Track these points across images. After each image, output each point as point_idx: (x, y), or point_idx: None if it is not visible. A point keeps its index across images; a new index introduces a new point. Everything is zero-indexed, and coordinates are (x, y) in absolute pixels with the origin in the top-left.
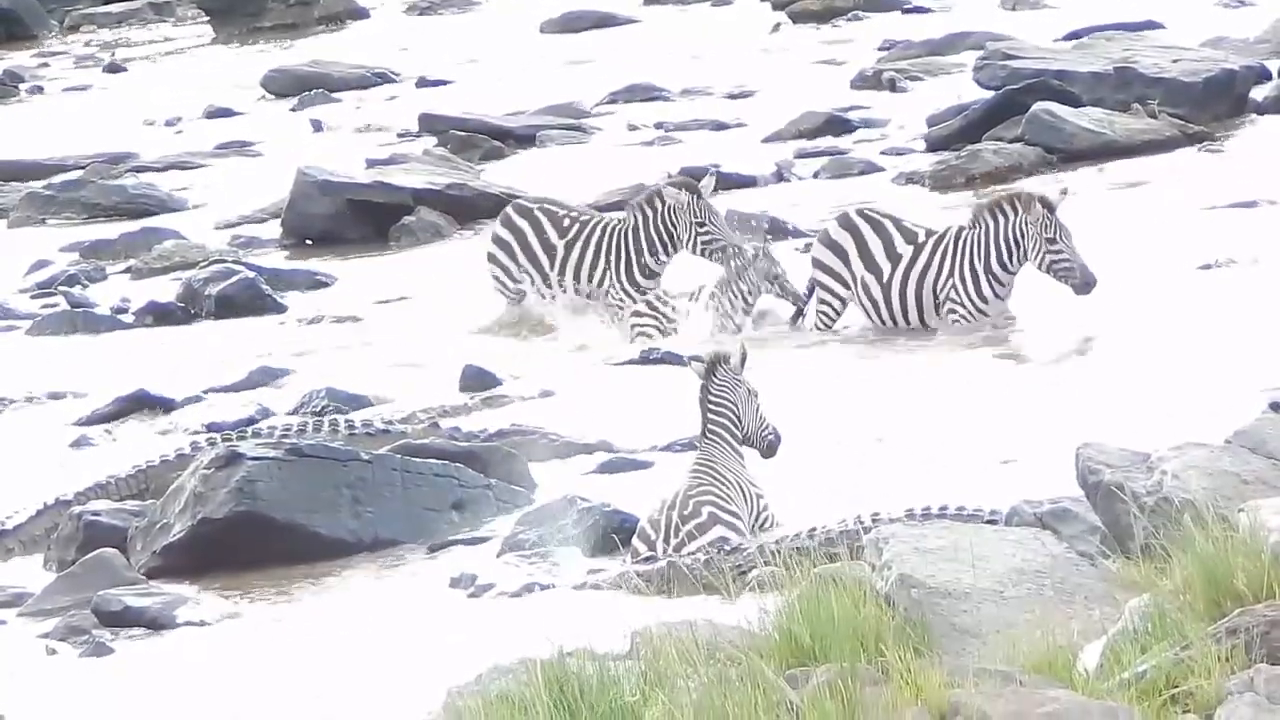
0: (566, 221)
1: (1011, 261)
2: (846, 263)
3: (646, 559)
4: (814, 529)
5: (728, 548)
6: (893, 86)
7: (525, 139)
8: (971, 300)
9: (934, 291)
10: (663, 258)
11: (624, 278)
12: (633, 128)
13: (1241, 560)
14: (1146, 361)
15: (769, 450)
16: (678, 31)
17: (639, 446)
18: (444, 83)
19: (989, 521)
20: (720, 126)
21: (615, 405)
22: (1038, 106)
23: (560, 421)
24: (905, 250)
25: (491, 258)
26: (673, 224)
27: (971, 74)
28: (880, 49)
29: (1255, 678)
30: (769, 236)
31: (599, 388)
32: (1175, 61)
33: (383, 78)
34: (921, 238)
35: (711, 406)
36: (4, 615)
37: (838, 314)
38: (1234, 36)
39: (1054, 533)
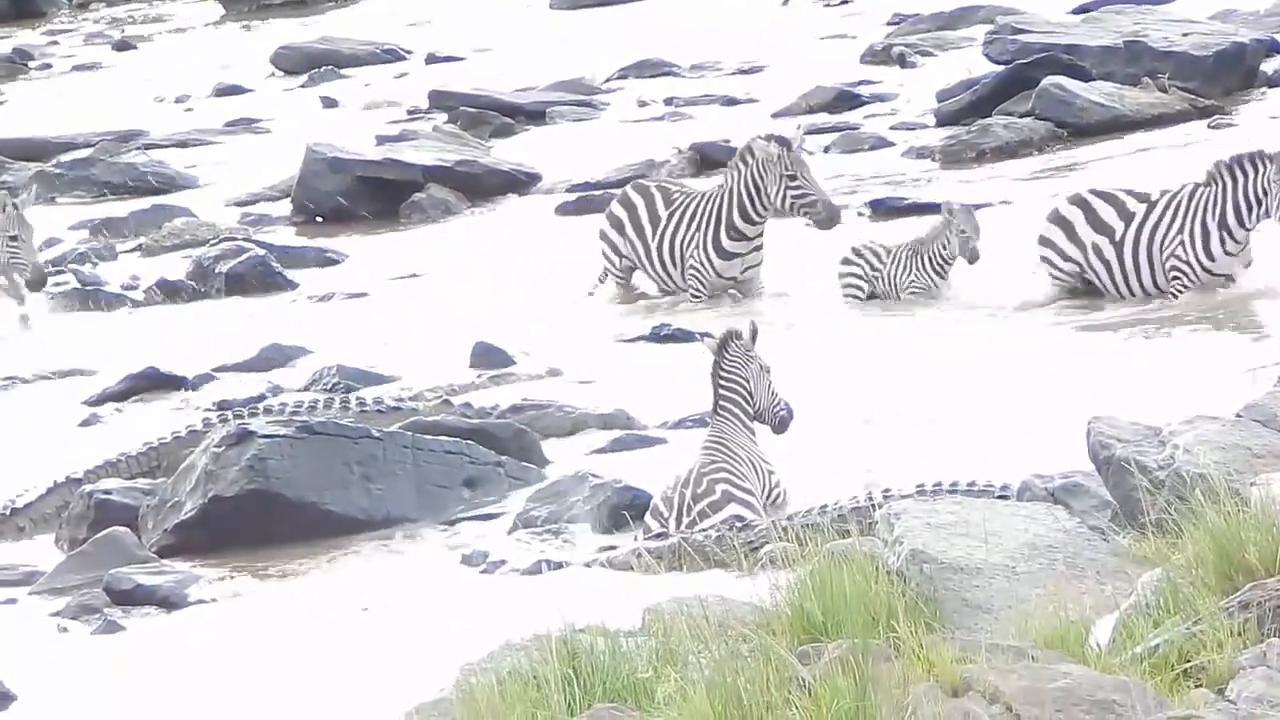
0: (677, 195)
1: (1249, 218)
2: (1072, 235)
3: (658, 535)
4: (825, 505)
5: (739, 524)
6: (902, 61)
7: (535, 115)
8: (1199, 260)
9: (1161, 250)
10: (754, 217)
11: (709, 242)
12: (642, 103)
13: (1253, 534)
14: (1157, 336)
15: (781, 426)
16: (688, 7)
17: (650, 423)
18: (454, 59)
19: (1000, 496)
20: (730, 102)
21: (626, 382)
22: (1048, 81)
23: (571, 399)
24: (1138, 209)
25: (602, 235)
26: (762, 178)
27: (981, 48)
28: (890, 23)
29: (1268, 651)
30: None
31: (610, 364)
32: (1185, 35)
33: (393, 54)
34: (1155, 196)
35: (723, 383)
36: (15, 593)
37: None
38: (1244, 9)
39: (1065, 507)
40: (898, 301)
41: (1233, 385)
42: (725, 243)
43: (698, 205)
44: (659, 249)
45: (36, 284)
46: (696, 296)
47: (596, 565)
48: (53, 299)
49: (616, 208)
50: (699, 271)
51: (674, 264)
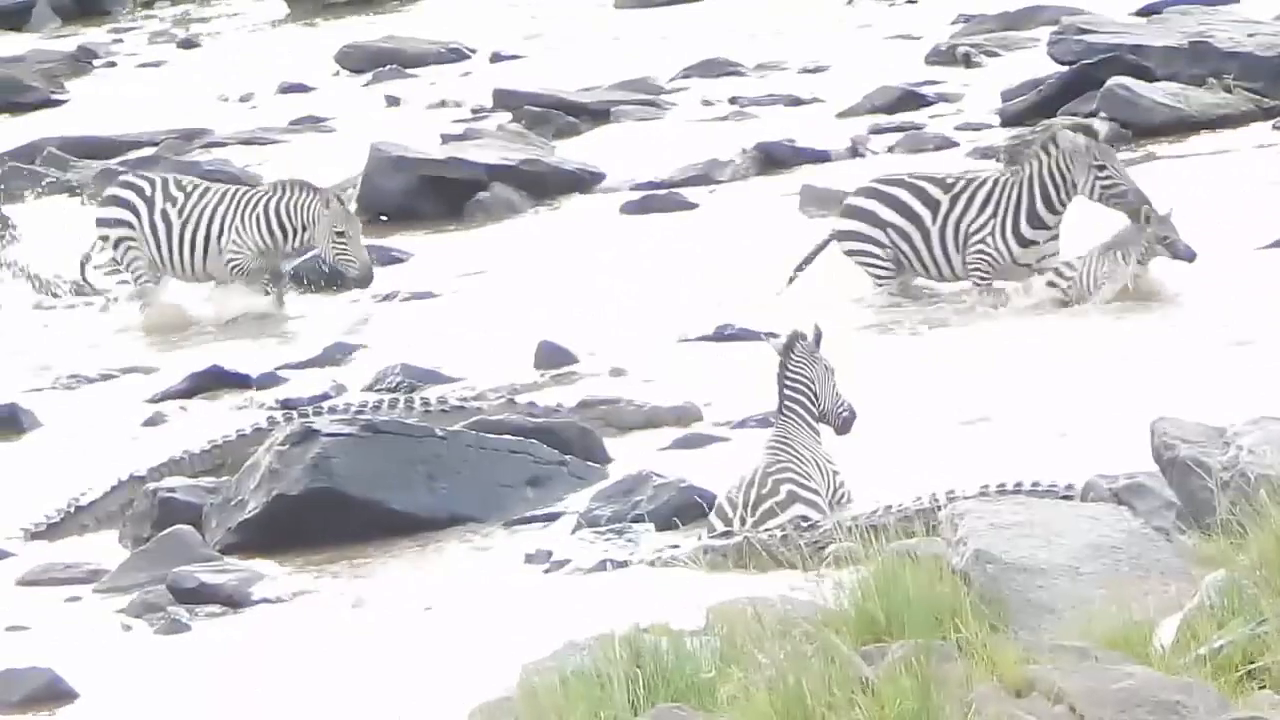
0: (956, 182)
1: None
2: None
3: (723, 534)
4: (890, 506)
5: (805, 524)
6: (967, 61)
7: (599, 114)
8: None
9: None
10: (1058, 207)
11: (1008, 229)
12: (707, 103)
13: None
14: (1222, 336)
15: (844, 427)
16: (752, 7)
17: (714, 422)
18: (518, 58)
19: (1064, 497)
20: (795, 102)
21: (690, 381)
22: (1113, 81)
23: (636, 398)
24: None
25: (853, 234)
26: (1068, 168)
27: (1046, 48)
28: (955, 23)
29: None
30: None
31: (674, 363)
32: (1251, 36)
33: (457, 53)
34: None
35: (789, 383)
36: (80, 591)
37: None
38: None
39: (1130, 508)
40: (1091, 302)
41: None
42: (1025, 230)
43: (990, 191)
44: (941, 235)
45: (365, 280)
46: (982, 282)
47: (660, 564)
48: (118, 298)
49: (868, 201)
50: (991, 257)
51: (957, 250)
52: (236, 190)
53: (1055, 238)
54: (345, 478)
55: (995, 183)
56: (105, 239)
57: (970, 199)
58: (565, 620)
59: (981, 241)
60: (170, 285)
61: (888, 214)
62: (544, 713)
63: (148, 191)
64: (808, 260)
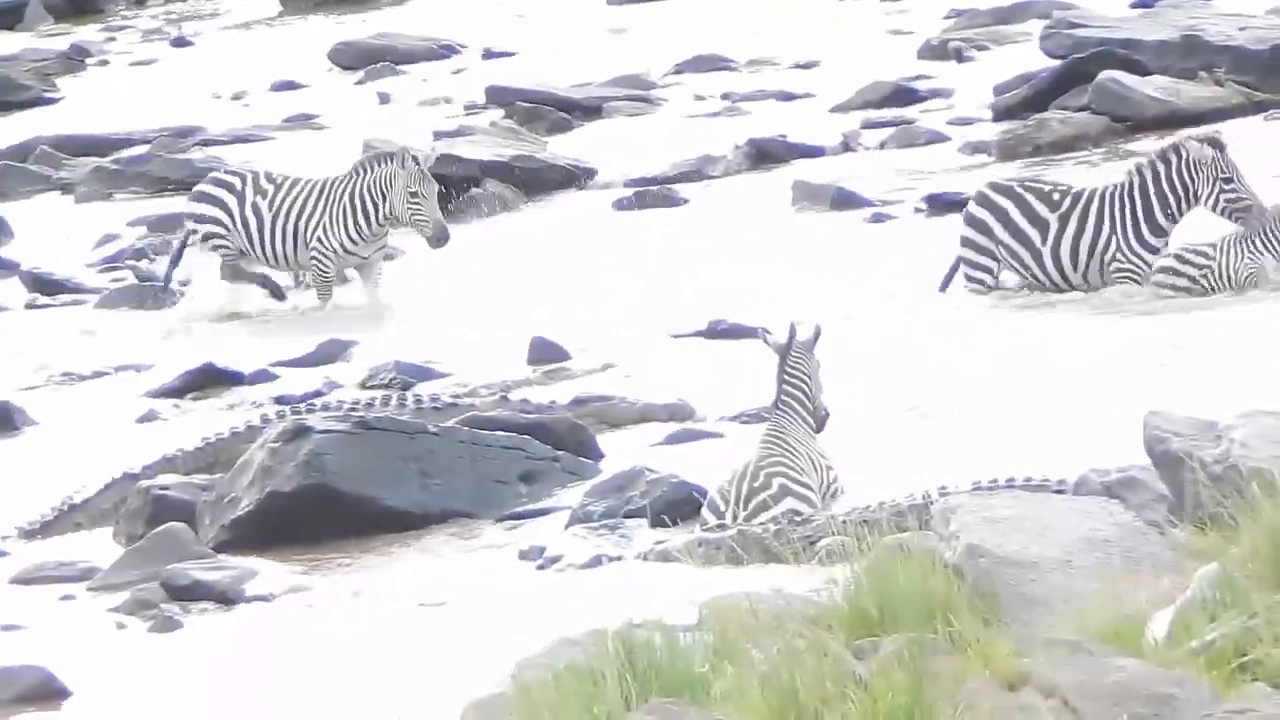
0: (1057, 195)
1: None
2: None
3: (716, 528)
4: (882, 502)
5: (797, 519)
6: (959, 56)
7: (592, 111)
8: None
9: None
10: (1176, 215)
11: (1134, 239)
12: (699, 99)
13: None
14: (1211, 330)
15: (820, 426)
16: (744, 2)
17: (707, 417)
18: (510, 54)
19: (1057, 491)
20: (787, 97)
21: (681, 377)
22: (1104, 75)
23: (629, 394)
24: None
25: (966, 241)
26: (1192, 179)
27: (1038, 43)
28: (946, 18)
29: None
30: None
31: (667, 359)
32: (1242, 29)
33: (449, 50)
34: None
35: (787, 378)
36: (73, 589)
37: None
38: None
39: (1121, 501)
40: (1227, 291)
41: None
42: (1150, 238)
43: (1101, 204)
44: (1055, 249)
45: (439, 240)
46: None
47: (653, 559)
48: (110, 294)
49: (980, 210)
50: (1133, 271)
51: (1074, 265)
52: (323, 182)
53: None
54: (338, 474)
55: (1104, 197)
56: (195, 233)
57: (1083, 215)
58: (558, 616)
59: (1118, 256)
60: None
61: (986, 235)
62: (537, 709)
63: (238, 186)
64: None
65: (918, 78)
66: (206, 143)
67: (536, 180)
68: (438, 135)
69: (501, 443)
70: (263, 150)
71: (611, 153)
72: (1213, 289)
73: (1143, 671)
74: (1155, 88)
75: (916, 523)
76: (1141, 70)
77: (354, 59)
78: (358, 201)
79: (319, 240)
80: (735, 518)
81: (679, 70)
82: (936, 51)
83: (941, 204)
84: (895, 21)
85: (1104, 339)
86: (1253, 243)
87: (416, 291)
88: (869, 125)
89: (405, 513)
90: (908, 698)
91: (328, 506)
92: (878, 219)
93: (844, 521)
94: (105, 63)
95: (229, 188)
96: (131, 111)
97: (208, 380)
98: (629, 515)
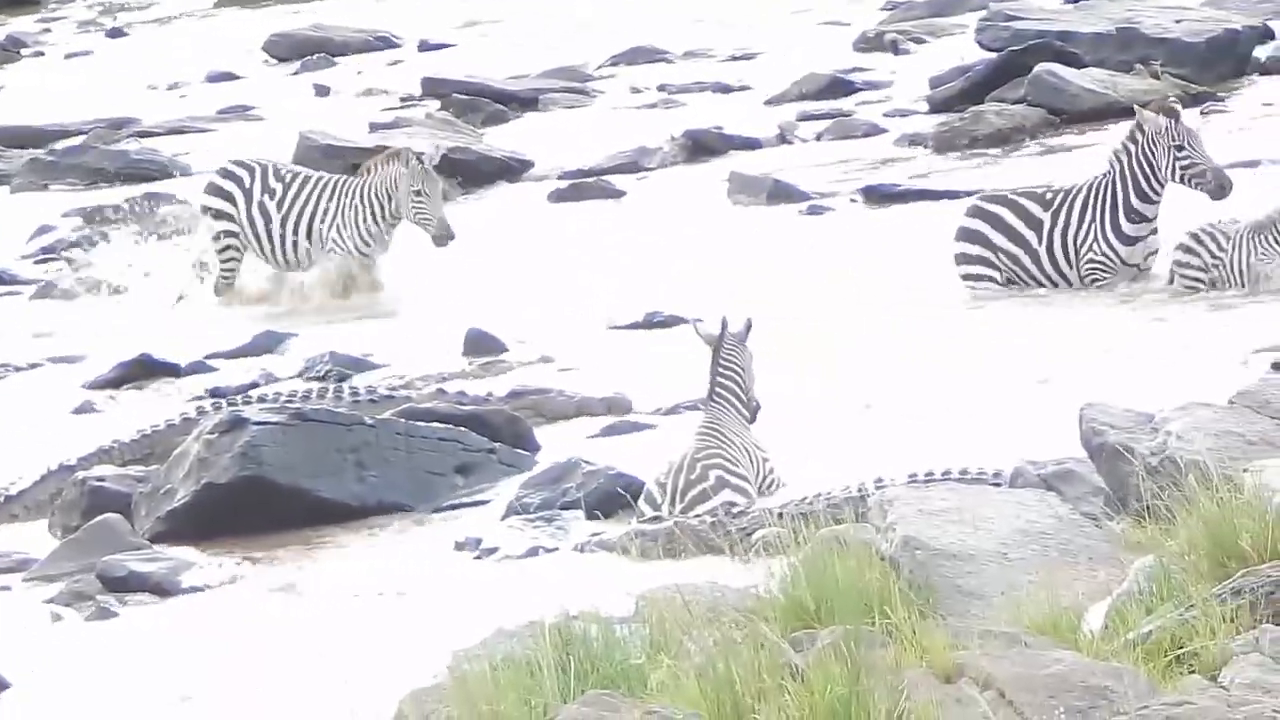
0: (1049, 195)
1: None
2: None
3: (652, 520)
4: (819, 494)
5: (734, 510)
6: (895, 48)
7: (528, 102)
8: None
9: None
10: (1151, 195)
11: (1109, 231)
12: (635, 90)
13: (1246, 521)
14: (1150, 321)
15: (751, 418)
16: None
17: (643, 409)
18: (446, 46)
19: (993, 484)
20: (723, 89)
21: (618, 369)
22: (1040, 68)
23: (565, 386)
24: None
25: (964, 257)
26: (1152, 152)
27: (974, 35)
28: (882, 10)
29: (1260, 638)
30: None
31: (604, 351)
32: (1178, 22)
33: (385, 41)
34: None
35: (721, 370)
36: (8, 581)
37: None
38: None
39: (1058, 494)
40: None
41: (1227, 371)
42: (1126, 228)
43: (1085, 197)
44: (1049, 252)
45: (443, 239)
46: (1100, 286)
47: (589, 551)
48: (45, 286)
49: (975, 223)
50: (1102, 264)
51: (1069, 264)
52: (335, 181)
53: (1155, 231)
54: (274, 466)
55: (1089, 189)
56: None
57: (1068, 213)
58: (495, 608)
59: (1091, 249)
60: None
61: (975, 245)
62: (474, 700)
63: (247, 182)
64: None
65: (854, 70)
66: (142, 134)
67: (472, 172)
68: (374, 127)
69: (438, 435)
70: (199, 141)
71: (547, 144)
72: (1222, 283)
73: (1079, 664)
74: (1091, 80)
75: (853, 515)
76: (1078, 63)
77: (289, 50)
78: (368, 202)
79: (334, 240)
80: (672, 510)
81: (615, 62)
82: (873, 44)
83: (878, 196)
84: (831, 13)
85: (1040, 332)
86: (1266, 240)
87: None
88: (805, 117)
89: (341, 504)
90: (844, 689)
91: (264, 498)
92: (814, 211)
93: (780, 514)
94: (40, 54)
95: (239, 182)
96: (67, 102)
97: (143, 372)
98: (565, 507)
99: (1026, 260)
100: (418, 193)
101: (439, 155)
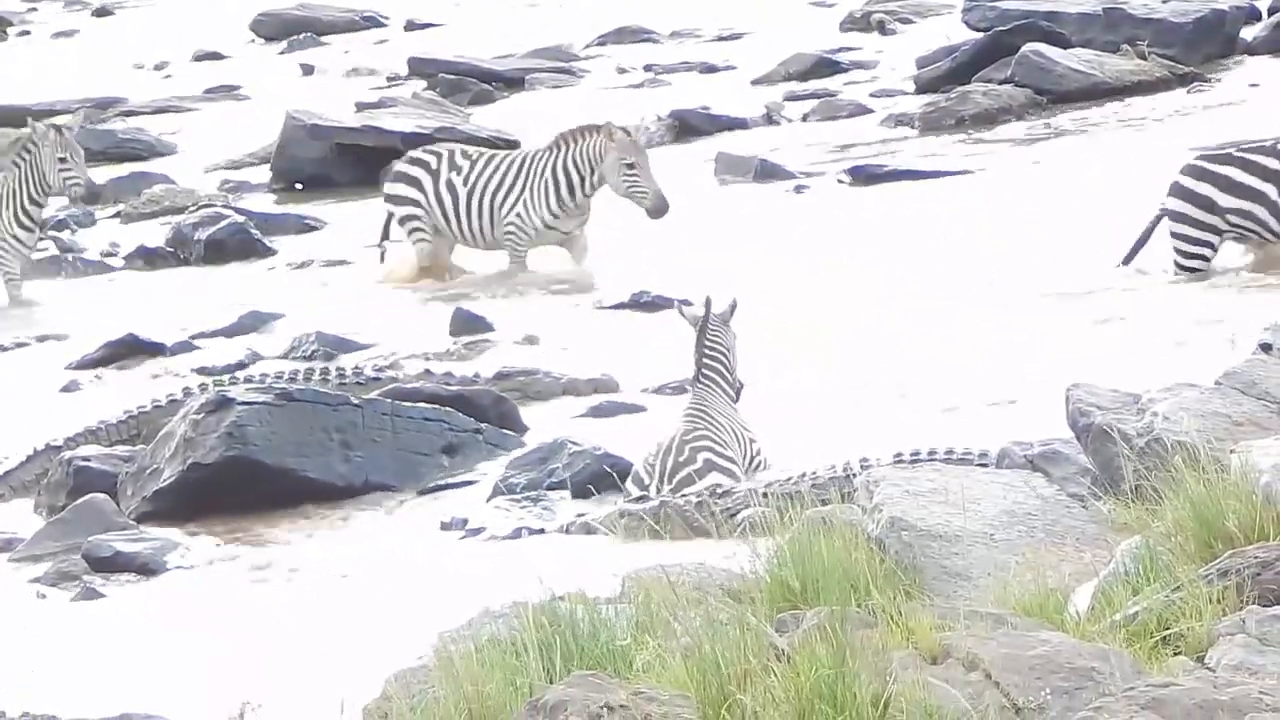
0: (1271, 141)
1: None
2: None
3: (638, 500)
4: (803, 474)
5: (720, 491)
6: (882, 28)
7: (514, 82)
8: None
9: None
10: None
11: None
12: (622, 70)
13: (1233, 502)
14: (1137, 303)
15: (736, 397)
16: None
17: (630, 389)
18: (433, 26)
19: (979, 464)
20: (709, 69)
21: (605, 349)
22: (1027, 48)
23: (552, 366)
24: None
25: (1182, 217)
26: None
27: (960, 15)
28: None
29: (1247, 619)
30: None
31: (589, 332)
32: (1165, 2)
33: (371, 21)
34: None
35: (707, 351)
36: None
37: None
38: None
39: (1044, 475)
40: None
41: (1213, 352)
42: None
43: None
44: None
45: (659, 210)
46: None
47: (575, 531)
48: (32, 265)
49: (1199, 184)
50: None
51: None
52: (521, 157)
53: None
54: (260, 446)
55: None
56: (391, 215)
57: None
58: (481, 588)
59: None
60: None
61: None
62: (460, 681)
63: (433, 165)
64: (1142, 241)
65: (841, 50)
66: (129, 113)
67: None
68: (360, 106)
69: (424, 415)
70: (185, 121)
71: (534, 124)
72: None
73: (1066, 645)
74: (1078, 60)
75: (838, 495)
76: (1064, 43)
77: (276, 30)
78: (560, 175)
79: (517, 216)
80: (659, 492)
81: (601, 42)
82: (859, 24)
83: (864, 176)
84: None
85: (1026, 312)
86: None
87: (337, 262)
88: (792, 97)
89: (328, 484)
90: (830, 671)
91: (250, 478)
92: (801, 190)
93: (765, 494)
94: (27, 33)
95: (425, 166)
96: (53, 82)
97: (129, 351)
98: (552, 487)
99: (1264, 213)
100: (630, 166)
101: (644, 129)
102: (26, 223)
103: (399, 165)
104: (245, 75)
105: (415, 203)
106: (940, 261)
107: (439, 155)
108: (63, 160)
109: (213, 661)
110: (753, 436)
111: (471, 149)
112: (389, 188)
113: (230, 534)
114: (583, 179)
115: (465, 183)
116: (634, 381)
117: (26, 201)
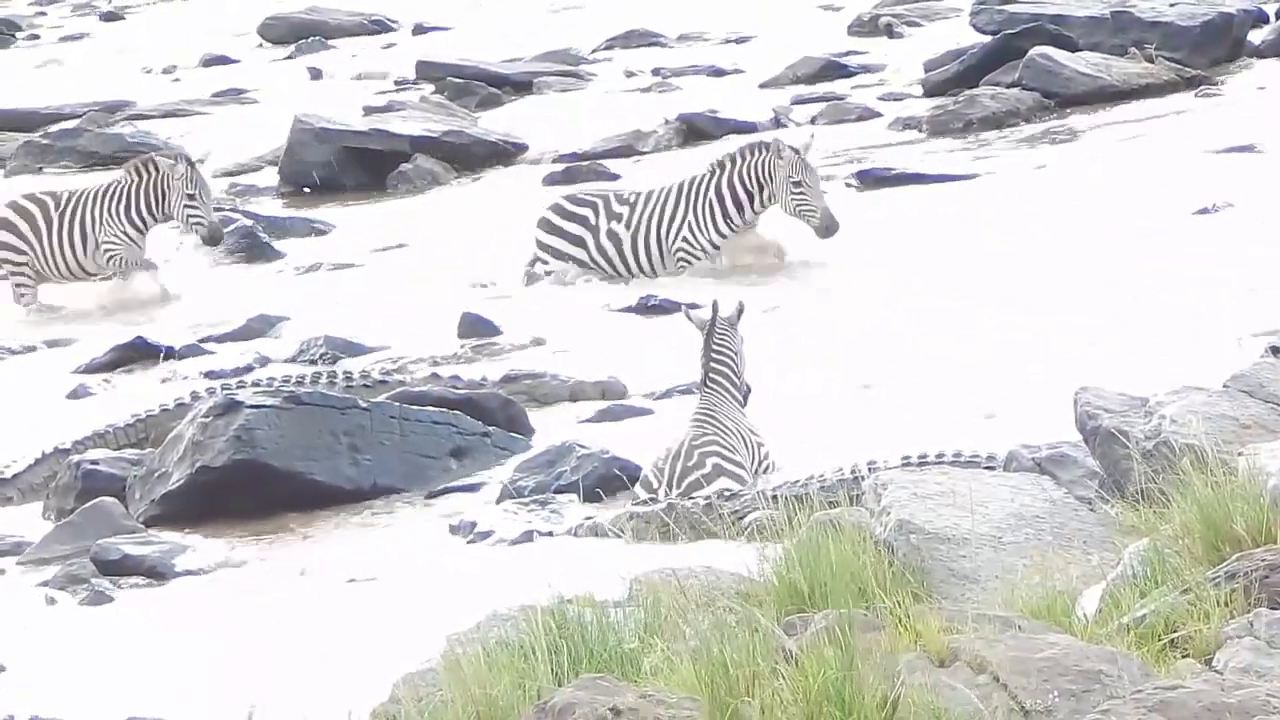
0: None
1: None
2: None
3: (646, 503)
4: (811, 476)
5: (728, 494)
6: (890, 32)
7: (522, 86)
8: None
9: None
10: None
11: None
12: (630, 74)
13: (1240, 504)
14: (1145, 306)
15: (743, 402)
16: None
17: (638, 393)
18: (441, 29)
19: (987, 467)
20: (717, 72)
21: (613, 353)
22: (1035, 51)
23: (559, 370)
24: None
25: None
26: None
27: (968, 19)
28: None
29: (1254, 621)
30: None
31: (598, 335)
32: (1172, 5)
33: (380, 25)
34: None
35: (714, 355)
36: (3, 564)
37: None
38: None
39: (1052, 478)
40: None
41: (1221, 355)
42: None
43: None
44: None
45: (828, 230)
46: None
47: (583, 534)
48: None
49: None
50: None
51: None
52: (679, 184)
53: None
54: (268, 449)
55: None
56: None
57: None
58: (489, 591)
59: None
60: None
61: None
62: (468, 684)
63: (592, 220)
64: None
65: (849, 53)
66: (137, 117)
67: (467, 155)
68: (368, 110)
69: (432, 418)
70: (193, 124)
71: (542, 128)
72: None
73: (1073, 647)
74: (1086, 64)
75: (847, 498)
76: (1072, 46)
77: (284, 34)
78: (725, 193)
79: (685, 241)
80: (669, 496)
81: (609, 46)
82: (867, 27)
83: (872, 179)
84: None
85: (1033, 314)
86: None
87: (345, 266)
88: (800, 101)
89: (336, 488)
90: (838, 673)
91: (258, 481)
92: None
93: (773, 497)
94: (35, 37)
95: (583, 222)
96: (62, 86)
97: (137, 354)
98: (560, 491)
99: None
100: (797, 184)
101: (811, 144)
102: (139, 224)
103: (548, 215)
104: (253, 79)
105: (577, 251)
106: (948, 264)
107: (595, 205)
108: (191, 198)
109: (221, 665)
110: (760, 440)
111: (626, 191)
112: (541, 237)
113: (238, 537)
114: (751, 196)
115: (628, 226)
116: (641, 385)
117: (142, 209)
